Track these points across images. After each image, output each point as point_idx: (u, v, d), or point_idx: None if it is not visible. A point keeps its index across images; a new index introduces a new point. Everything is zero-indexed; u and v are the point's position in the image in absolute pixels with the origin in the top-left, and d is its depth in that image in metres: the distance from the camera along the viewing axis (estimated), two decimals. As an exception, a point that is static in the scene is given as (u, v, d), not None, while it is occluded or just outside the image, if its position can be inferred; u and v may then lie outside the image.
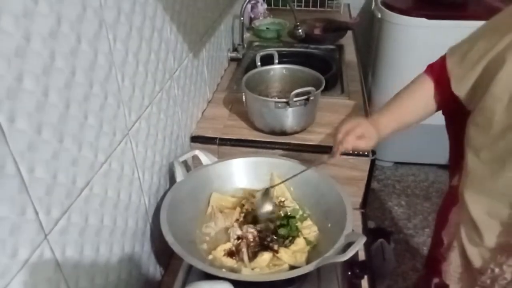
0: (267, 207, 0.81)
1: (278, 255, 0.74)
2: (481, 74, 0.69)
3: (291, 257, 0.74)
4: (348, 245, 0.73)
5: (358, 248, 0.65)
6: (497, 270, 0.72)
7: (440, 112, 0.87)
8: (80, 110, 0.56)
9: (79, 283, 0.59)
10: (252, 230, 0.79)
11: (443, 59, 0.78)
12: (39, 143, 0.49)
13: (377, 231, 1.53)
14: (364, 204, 1.12)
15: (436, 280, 0.90)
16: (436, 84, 0.80)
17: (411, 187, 2.13)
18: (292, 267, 0.73)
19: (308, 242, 0.79)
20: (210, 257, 0.75)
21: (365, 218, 1.10)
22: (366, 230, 1.10)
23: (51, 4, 0.49)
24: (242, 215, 0.84)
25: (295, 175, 0.85)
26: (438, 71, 0.79)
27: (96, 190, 0.62)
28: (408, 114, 0.84)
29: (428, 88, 0.81)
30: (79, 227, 0.58)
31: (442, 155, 2.05)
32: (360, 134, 0.79)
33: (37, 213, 0.49)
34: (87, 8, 0.57)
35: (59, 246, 0.54)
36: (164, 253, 0.91)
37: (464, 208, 0.76)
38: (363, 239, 0.66)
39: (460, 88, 0.73)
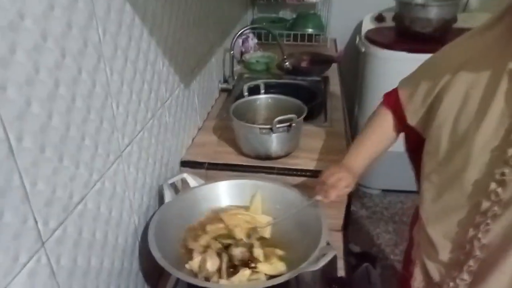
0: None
1: (258, 269, 0.79)
2: (428, 109, 0.79)
3: (271, 268, 0.79)
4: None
5: (329, 259, 0.71)
6: (451, 284, 0.78)
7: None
8: (78, 133, 0.64)
9: (71, 292, 0.64)
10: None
11: (396, 91, 0.87)
12: (42, 160, 0.55)
13: (362, 255, 1.57)
14: (346, 226, 1.17)
15: None
16: (394, 114, 0.89)
17: (398, 214, 2.18)
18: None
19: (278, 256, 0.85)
20: (187, 266, 0.80)
21: (346, 239, 1.15)
22: (347, 251, 1.15)
23: (56, 39, 0.57)
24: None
25: (286, 216, 0.91)
26: (394, 103, 0.88)
27: (90, 206, 0.68)
28: (375, 149, 0.93)
29: (388, 120, 0.91)
30: (73, 239, 0.64)
31: (427, 182, 2.13)
32: (344, 186, 0.87)
33: (36, 222, 0.55)
34: (88, 43, 0.65)
35: (54, 254, 0.59)
36: (152, 273, 0.96)
37: (422, 227, 0.83)
38: (333, 252, 0.72)
39: (415, 120, 0.83)
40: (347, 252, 1.13)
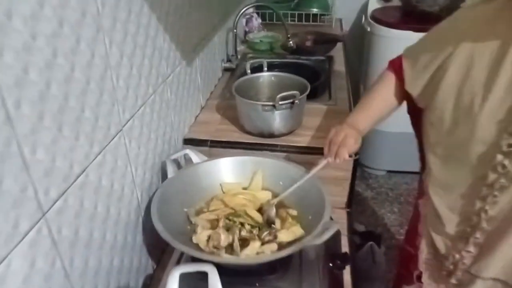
0: (272, 213, 0.87)
1: (278, 239, 0.79)
2: (430, 78, 0.78)
3: (289, 234, 0.80)
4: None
5: (332, 233, 0.70)
6: (457, 256, 0.78)
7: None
8: (77, 103, 0.63)
9: (74, 262, 0.65)
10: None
11: (400, 58, 0.86)
12: (41, 129, 0.55)
13: (367, 234, 1.57)
14: (349, 203, 1.17)
15: (416, 272, 0.95)
16: (397, 80, 0.88)
17: (403, 194, 2.18)
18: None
19: (292, 216, 0.86)
20: (194, 239, 0.80)
21: (350, 217, 1.15)
22: (352, 229, 1.15)
23: (54, 8, 0.56)
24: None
25: (299, 184, 0.88)
26: (398, 69, 0.87)
27: (91, 178, 0.68)
28: (379, 111, 0.92)
29: (391, 84, 0.90)
30: (74, 210, 0.64)
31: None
32: (353, 143, 0.86)
33: (36, 192, 0.55)
34: (86, 14, 0.64)
35: (55, 224, 0.59)
36: (156, 248, 0.96)
37: (429, 200, 0.82)
38: (336, 226, 0.71)
39: (413, 88, 0.82)
40: (352, 231, 1.12)
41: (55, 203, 0.59)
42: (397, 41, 1.95)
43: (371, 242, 1.50)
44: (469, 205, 0.75)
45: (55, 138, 0.58)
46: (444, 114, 0.74)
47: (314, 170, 0.87)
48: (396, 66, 0.89)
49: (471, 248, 0.76)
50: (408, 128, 0.98)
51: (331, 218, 0.81)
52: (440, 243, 0.82)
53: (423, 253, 0.86)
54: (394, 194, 2.18)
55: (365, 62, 2.16)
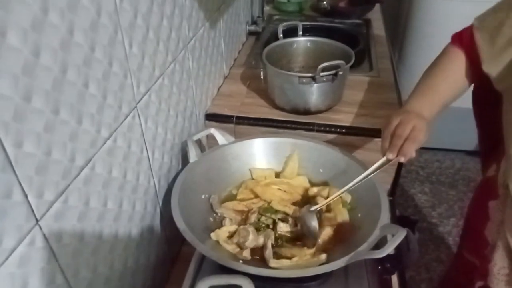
0: (314, 224, 0.71)
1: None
2: None
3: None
4: (383, 239, 0.65)
5: (397, 243, 0.57)
6: None
7: (469, 93, 0.79)
8: (79, 77, 0.48)
9: (79, 273, 0.53)
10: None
11: (470, 31, 0.69)
12: (28, 113, 0.41)
13: (401, 219, 1.44)
14: (393, 191, 1.03)
15: (479, 284, 0.81)
16: (467, 58, 0.71)
17: (435, 173, 2.02)
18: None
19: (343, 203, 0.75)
20: (213, 235, 0.68)
21: (394, 206, 1.01)
22: (395, 220, 1.01)
23: None
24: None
25: (351, 186, 0.70)
26: (468, 44, 0.70)
27: (98, 170, 0.55)
28: (447, 96, 0.74)
29: (460, 63, 0.72)
30: (78, 211, 0.51)
31: (470, 140, 1.92)
32: (422, 138, 0.67)
33: (26, 195, 0.42)
34: (87, -44, 0.48)
35: (54, 232, 0.47)
36: (175, 239, 0.85)
37: (508, 203, 0.67)
38: (403, 233, 0.58)
39: (492, 67, 0.66)
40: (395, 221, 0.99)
41: (51, 206, 0.46)
42: (444, 2, 1.74)
43: (406, 229, 1.36)
44: None
45: (49, 124, 0.44)
46: None
47: (369, 170, 0.69)
48: (465, 40, 0.71)
49: None
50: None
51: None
52: None
53: (496, 266, 0.72)
54: (425, 173, 2.02)
55: (403, 26, 1.94)
